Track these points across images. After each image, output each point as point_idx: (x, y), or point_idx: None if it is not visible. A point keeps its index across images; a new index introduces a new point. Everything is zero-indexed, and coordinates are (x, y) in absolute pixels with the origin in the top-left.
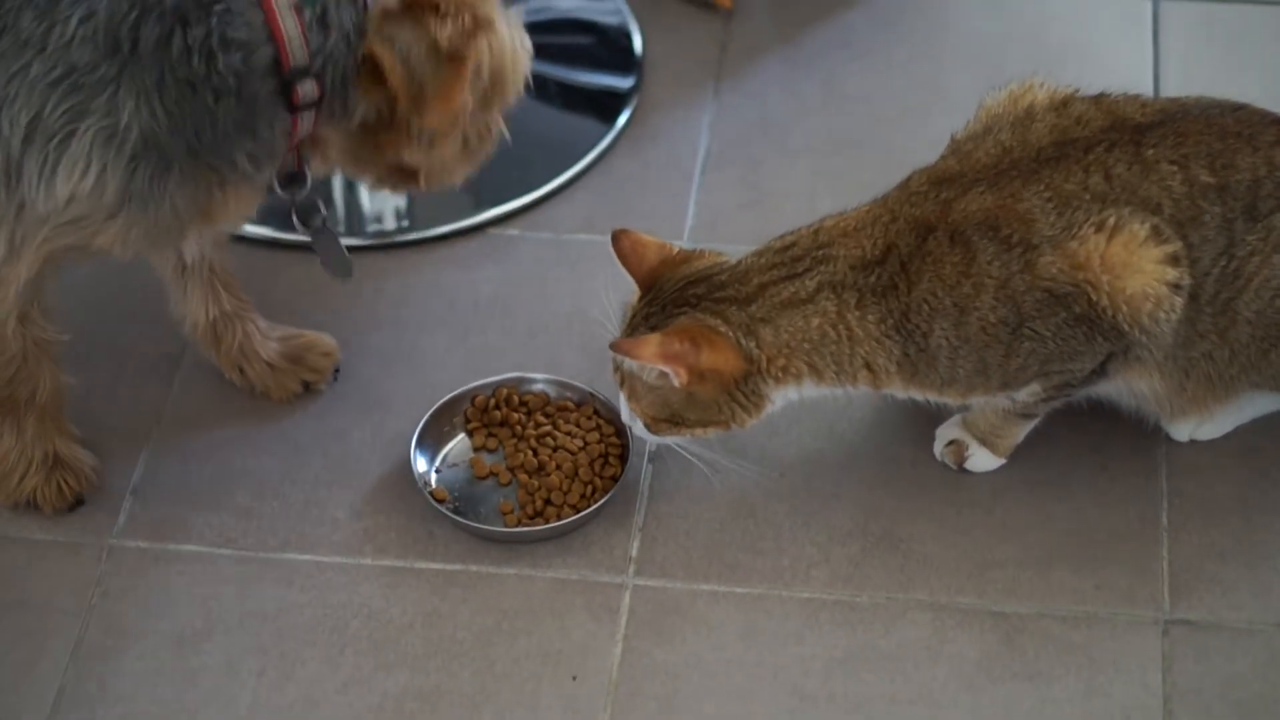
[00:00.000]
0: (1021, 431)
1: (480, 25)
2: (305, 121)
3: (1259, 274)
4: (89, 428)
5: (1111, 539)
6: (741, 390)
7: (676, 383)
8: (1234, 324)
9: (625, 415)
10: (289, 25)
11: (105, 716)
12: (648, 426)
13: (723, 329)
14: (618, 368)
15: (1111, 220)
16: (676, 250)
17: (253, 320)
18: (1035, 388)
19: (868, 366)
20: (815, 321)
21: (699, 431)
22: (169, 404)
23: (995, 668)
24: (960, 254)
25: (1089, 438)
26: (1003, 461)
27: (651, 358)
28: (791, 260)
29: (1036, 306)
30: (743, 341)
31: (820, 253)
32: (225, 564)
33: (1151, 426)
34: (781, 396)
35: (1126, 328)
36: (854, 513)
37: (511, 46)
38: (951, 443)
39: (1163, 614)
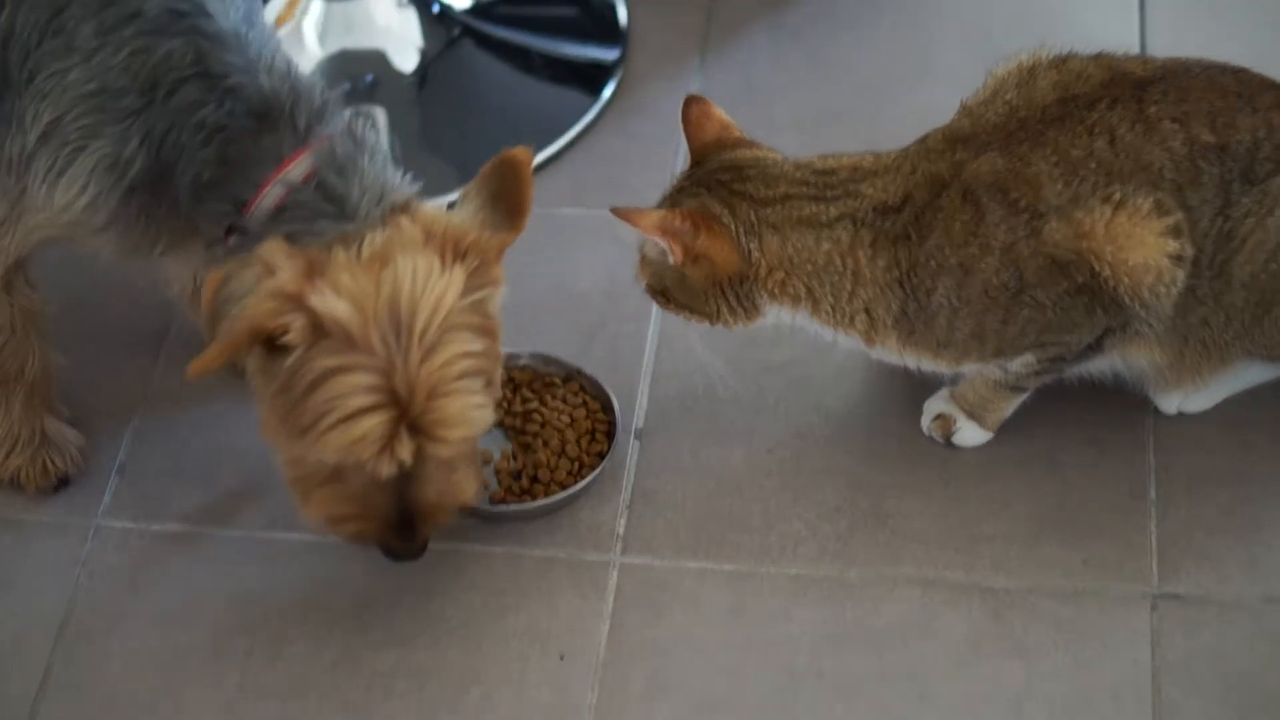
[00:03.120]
0: (1010, 406)
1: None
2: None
3: (1252, 236)
4: (73, 405)
5: (1100, 513)
6: (734, 290)
7: (671, 260)
8: (1229, 287)
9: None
10: (266, 201)
11: (92, 697)
12: (648, 293)
13: (726, 219)
14: None
15: (1117, 195)
16: (737, 133)
17: None
18: (1029, 358)
19: (866, 312)
20: (825, 247)
21: (685, 313)
22: (154, 381)
23: (984, 643)
24: (970, 213)
25: (1077, 412)
26: (990, 436)
27: (648, 229)
28: (825, 185)
29: (1039, 273)
30: (743, 239)
31: (852, 185)
32: (212, 543)
33: (1139, 400)
34: (774, 313)
35: (1127, 300)
36: (841, 488)
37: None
38: (939, 416)
39: (1151, 588)
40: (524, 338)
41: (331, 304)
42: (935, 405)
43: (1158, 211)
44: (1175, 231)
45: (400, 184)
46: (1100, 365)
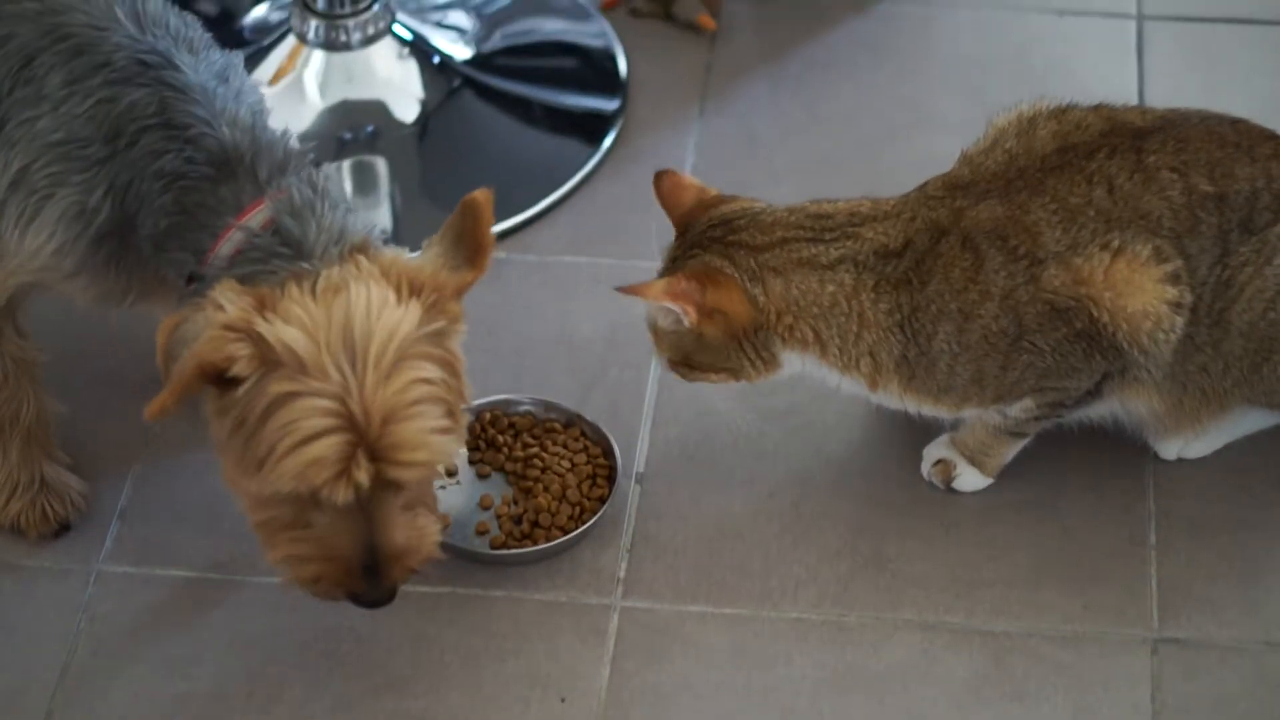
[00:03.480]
0: (1011, 451)
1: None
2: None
3: (1250, 284)
4: (75, 451)
5: (1100, 558)
6: (752, 342)
7: (687, 323)
8: (1227, 335)
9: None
10: (224, 249)
11: None
12: (670, 368)
13: (728, 270)
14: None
15: (1115, 242)
16: (714, 193)
17: None
18: (1029, 403)
19: (871, 355)
20: (830, 289)
21: (711, 376)
22: (156, 427)
23: (984, 688)
24: (969, 260)
25: (1076, 457)
26: (990, 481)
27: (656, 297)
28: (822, 228)
29: (1038, 319)
30: (748, 286)
31: (851, 229)
32: (213, 588)
33: (1139, 445)
34: (789, 361)
35: (1126, 346)
36: (842, 532)
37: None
38: (939, 462)
39: (1152, 633)
40: (525, 384)
41: (281, 331)
42: (936, 451)
43: (1156, 258)
44: (1174, 279)
45: (360, 229)
46: (1100, 410)
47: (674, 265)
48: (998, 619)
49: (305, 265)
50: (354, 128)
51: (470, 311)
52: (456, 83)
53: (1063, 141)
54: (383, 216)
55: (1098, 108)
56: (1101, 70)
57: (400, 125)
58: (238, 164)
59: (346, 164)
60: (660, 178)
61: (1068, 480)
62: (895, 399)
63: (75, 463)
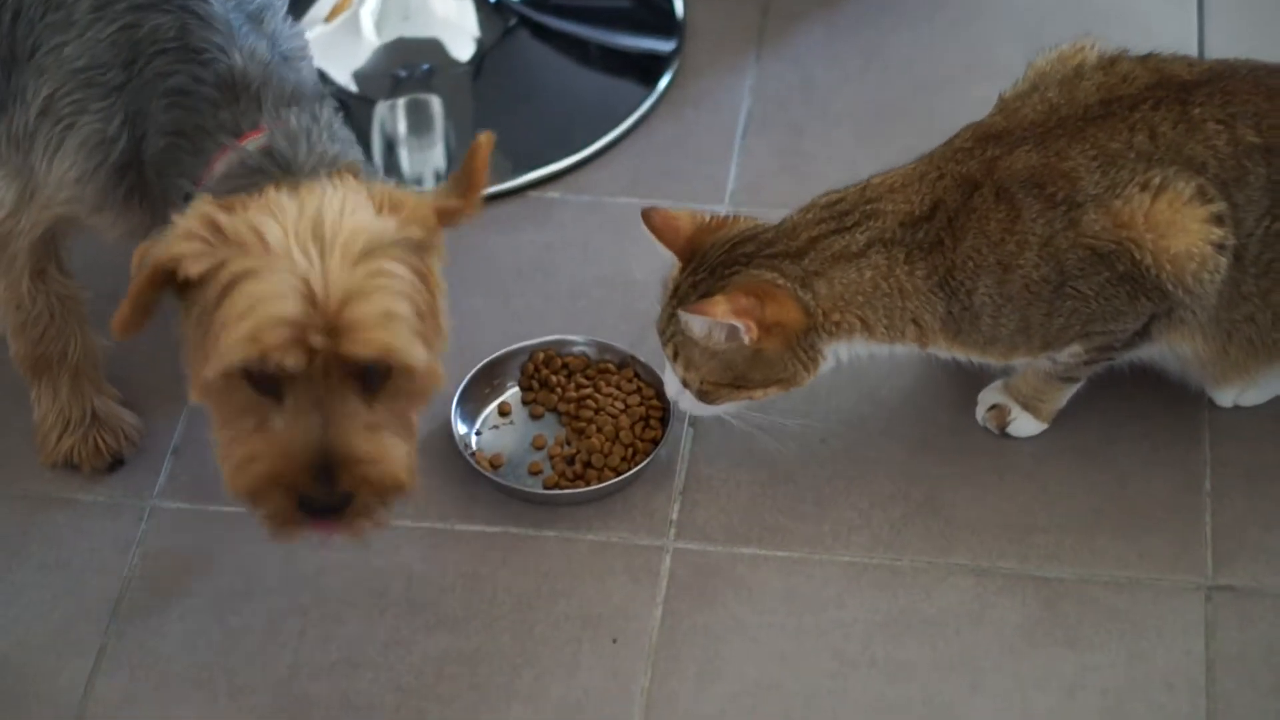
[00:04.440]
0: (1064, 396)
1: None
2: None
3: None
4: (129, 388)
5: (1154, 505)
6: (801, 345)
7: (747, 339)
8: (1276, 286)
9: (673, 390)
10: (218, 169)
11: (146, 677)
12: (704, 395)
13: (780, 281)
14: (669, 339)
15: (1157, 180)
16: (710, 218)
17: None
18: (1077, 348)
19: (915, 322)
20: (868, 275)
21: (758, 393)
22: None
23: (1037, 633)
24: (1005, 211)
25: (1132, 404)
26: (1045, 426)
27: (724, 315)
28: (839, 215)
29: (1080, 265)
30: (800, 294)
31: (869, 208)
32: None
33: (1195, 392)
34: (833, 352)
35: (1170, 287)
36: (895, 477)
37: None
38: (994, 407)
39: (1206, 580)
40: (579, 325)
41: (246, 219)
42: (990, 396)
43: (1200, 198)
44: (1218, 220)
45: (356, 159)
46: (1151, 352)
47: (699, 290)
48: (1051, 564)
49: (289, 180)
50: (409, 66)
51: (525, 252)
52: (512, 22)
53: (1107, 93)
54: (437, 156)
55: (1146, 59)
56: (1161, 17)
57: (456, 64)
58: (243, 90)
59: (401, 102)
60: (649, 215)
61: (1123, 427)
62: (944, 352)
63: (129, 399)
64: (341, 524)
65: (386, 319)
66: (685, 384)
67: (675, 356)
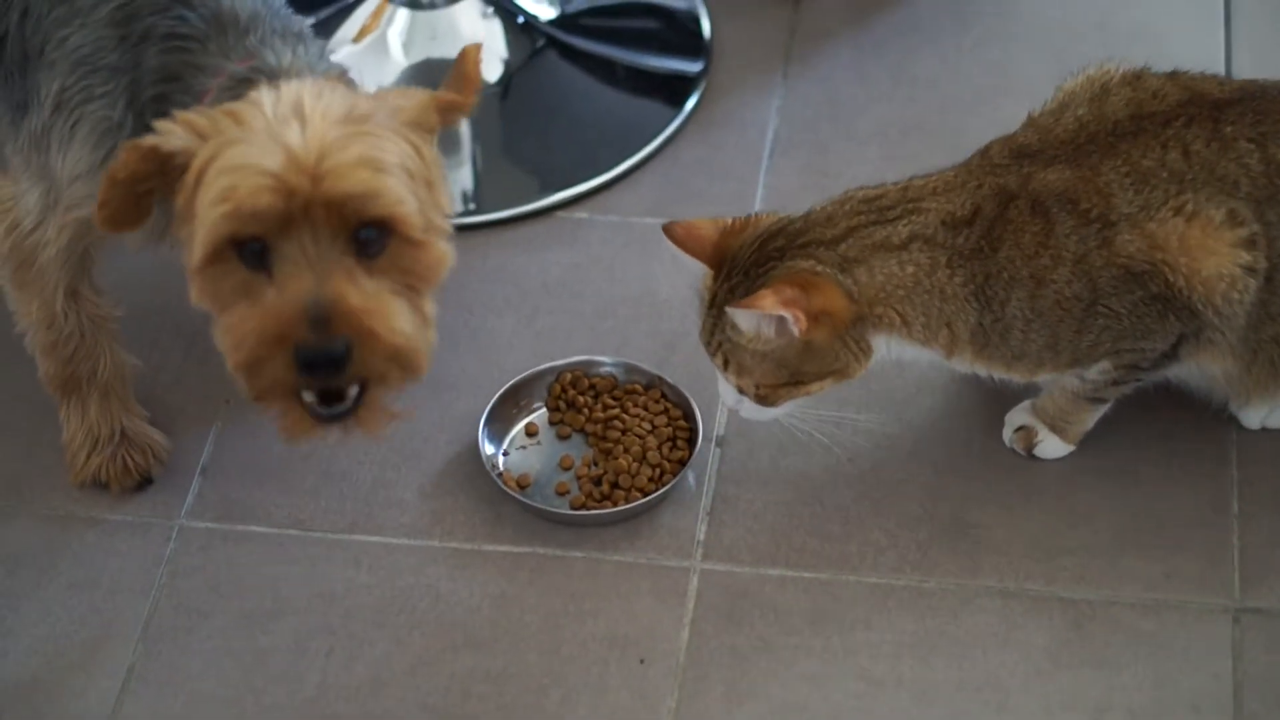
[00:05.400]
0: (1091, 418)
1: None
2: None
3: None
4: (158, 408)
5: (1182, 526)
6: (852, 335)
7: (796, 330)
8: None
9: (731, 399)
10: (207, 102)
11: (174, 695)
12: (763, 398)
13: (819, 269)
14: (717, 349)
15: (1190, 205)
16: (731, 220)
17: None
18: (1105, 366)
19: (949, 326)
20: (910, 269)
21: (815, 386)
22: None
23: (1064, 654)
24: (1040, 224)
25: (1159, 425)
26: (1072, 448)
27: (772, 307)
28: (881, 209)
29: (1112, 283)
30: (840, 279)
31: (911, 204)
32: (293, 545)
33: (1223, 414)
34: (880, 345)
35: (1201, 308)
36: (922, 498)
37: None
38: (1021, 428)
39: (1233, 602)
40: (606, 345)
41: (225, 109)
42: (1017, 418)
43: (1231, 222)
44: (1249, 243)
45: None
46: (1177, 373)
47: (736, 294)
48: (1079, 586)
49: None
50: (437, 86)
51: (552, 272)
52: (540, 43)
53: (1137, 109)
54: (464, 177)
55: (1174, 75)
56: (1188, 37)
57: (483, 85)
58: (231, 25)
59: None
60: (670, 229)
61: (1150, 448)
62: (966, 366)
63: (157, 419)
64: (352, 412)
65: (370, 163)
66: (741, 390)
67: (726, 365)
